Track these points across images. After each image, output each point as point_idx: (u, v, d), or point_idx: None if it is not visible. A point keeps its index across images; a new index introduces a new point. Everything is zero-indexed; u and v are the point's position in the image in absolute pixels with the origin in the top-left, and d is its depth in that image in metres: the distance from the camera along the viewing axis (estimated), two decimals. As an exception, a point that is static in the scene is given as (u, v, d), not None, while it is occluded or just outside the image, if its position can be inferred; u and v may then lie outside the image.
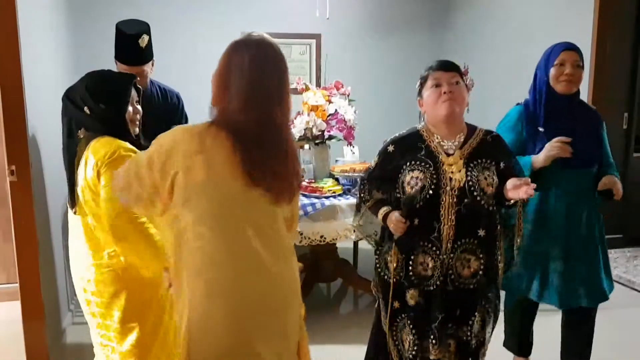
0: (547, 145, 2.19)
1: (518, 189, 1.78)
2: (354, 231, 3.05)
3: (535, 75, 2.35)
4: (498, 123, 2.41)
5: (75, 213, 1.85)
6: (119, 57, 2.68)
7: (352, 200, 3.07)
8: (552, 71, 2.25)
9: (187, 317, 1.39)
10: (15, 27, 2.42)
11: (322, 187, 3.16)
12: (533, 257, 2.30)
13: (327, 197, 3.11)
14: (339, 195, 3.16)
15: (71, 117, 1.84)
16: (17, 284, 2.55)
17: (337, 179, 3.34)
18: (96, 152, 1.74)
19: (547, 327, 2.66)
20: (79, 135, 1.81)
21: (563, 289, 2.28)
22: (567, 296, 2.29)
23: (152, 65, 2.82)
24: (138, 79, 1.94)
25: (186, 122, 3.05)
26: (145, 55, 2.72)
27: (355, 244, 4.06)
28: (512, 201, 1.89)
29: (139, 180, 1.40)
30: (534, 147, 2.27)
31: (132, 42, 2.64)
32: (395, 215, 1.89)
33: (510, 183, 1.83)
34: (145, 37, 2.67)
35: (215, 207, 1.38)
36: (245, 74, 1.37)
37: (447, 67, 1.92)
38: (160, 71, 4.36)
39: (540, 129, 2.27)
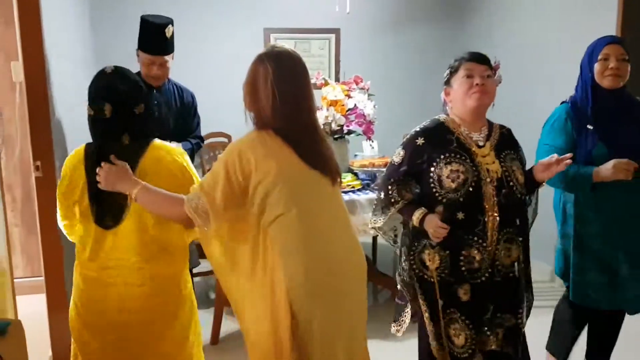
0: (612, 166, 2.07)
1: (549, 169, 1.91)
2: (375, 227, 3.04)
3: (580, 72, 2.28)
4: (544, 123, 2.33)
5: (111, 227, 1.71)
6: (144, 46, 2.72)
7: (371, 195, 3.06)
8: (597, 66, 2.19)
9: (285, 291, 1.54)
10: (39, 26, 2.46)
11: (341, 182, 3.16)
12: (602, 261, 2.22)
13: (346, 192, 3.10)
14: (358, 190, 3.15)
15: (123, 118, 1.70)
16: (41, 278, 2.61)
17: (356, 174, 3.33)
18: (169, 151, 1.77)
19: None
20: (123, 142, 1.71)
21: (634, 293, 2.21)
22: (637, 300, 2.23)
23: (172, 59, 2.85)
24: None
25: (199, 120, 3.09)
26: (170, 45, 2.77)
27: (374, 239, 4.05)
28: (542, 185, 2.01)
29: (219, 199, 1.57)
30: (585, 146, 2.19)
31: (159, 32, 2.69)
32: (436, 221, 1.86)
33: (541, 165, 1.94)
34: (171, 28, 2.74)
35: (296, 192, 1.57)
36: (269, 84, 1.57)
37: (481, 59, 1.93)
38: (182, 69, 4.42)
39: (590, 127, 2.19)
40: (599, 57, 2.18)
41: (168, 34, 2.73)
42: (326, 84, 3.34)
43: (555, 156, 1.91)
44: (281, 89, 1.57)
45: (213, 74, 4.52)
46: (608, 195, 2.16)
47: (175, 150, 1.81)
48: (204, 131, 4.31)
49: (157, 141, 1.78)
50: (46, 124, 2.48)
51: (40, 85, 2.46)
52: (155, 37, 2.71)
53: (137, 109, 1.72)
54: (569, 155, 1.89)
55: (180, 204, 1.59)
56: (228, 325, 3.13)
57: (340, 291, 1.63)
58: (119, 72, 1.73)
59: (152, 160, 1.72)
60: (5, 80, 3.45)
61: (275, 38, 4.59)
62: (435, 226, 1.86)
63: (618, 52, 2.17)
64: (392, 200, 1.99)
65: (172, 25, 2.77)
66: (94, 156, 1.71)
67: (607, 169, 2.09)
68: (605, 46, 2.18)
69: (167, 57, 2.78)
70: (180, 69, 4.48)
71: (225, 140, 4.53)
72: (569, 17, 3.76)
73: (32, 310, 2.68)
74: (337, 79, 4.51)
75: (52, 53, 2.61)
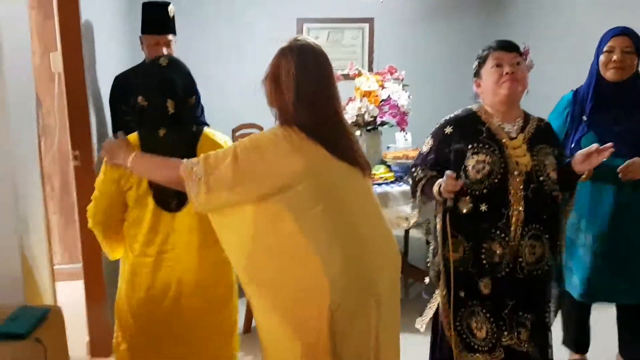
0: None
1: (589, 160, 1.82)
2: (406, 219, 3.01)
3: (592, 61, 2.28)
4: None
5: (175, 210, 1.74)
6: (149, 28, 2.74)
7: (405, 187, 3.02)
8: (602, 58, 2.18)
9: (328, 282, 1.48)
10: (77, 17, 2.49)
11: (374, 174, 3.12)
12: (577, 250, 2.24)
13: (378, 184, 3.07)
14: (391, 182, 3.12)
15: (179, 109, 1.74)
16: (78, 265, 2.66)
17: (389, 166, 3.29)
18: (221, 140, 1.80)
19: (606, 322, 2.54)
20: (176, 131, 1.74)
21: (597, 283, 2.22)
22: (601, 291, 2.24)
23: (175, 42, 2.86)
24: None
25: None
26: (173, 25, 2.78)
27: (407, 232, 4.01)
28: (580, 179, 1.91)
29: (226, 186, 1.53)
30: (574, 135, 2.20)
31: (162, 11, 2.71)
32: (446, 172, 1.79)
33: (580, 155, 1.84)
34: (173, 8, 2.75)
35: (324, 187, 1.54)
36: (292, 78, 1.53)
37: (509, 47, 1.88)
38: (213, 60, 4.44)
39: (584, 118, 2.20)
40: (605, 49, 2.17)
41: (171, 14, 2.76)
42: (359, 74, 3.30)
43: (595, 146, 1.84)
44: (304, 83, 1.53)
45: (244, 65, 4.52)
46: (588, 189, 2.17)
47: (223, 139, 1.84)
48: (235, 123, 4.36)
49: (207, 129, 1.81)
50: (84, 114, 2.52)
51: (79, 75, 2.50)
52: (159, 16, 2.73)
53: (191, 101, 1.76)
54: (609, 144, 1.82)
55: (176, 166, 1.56)
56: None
57: (374, 284, 1.59)
58: (175, 65, 1.76)
59: (208, 149, 1.71)
60: (44, 71, 3.52)
61: (308, 28, 4.56)
62: (445, 178, 1.77)
63: (623, 44, 2.14)
64: (417, 179, 1.97)
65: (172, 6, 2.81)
66: (149, 144, 1.72)
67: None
68: (611, 38, 2.16)
69: (171, 37, 2.78)
70: (211, 60, 4.50)
71: (257, 131, 4.54)
72: (614, 10, 3.62)
73: (69, 297, 2.75)
74: (370, 69, 4.45)
75: (89, 41, 2.62)
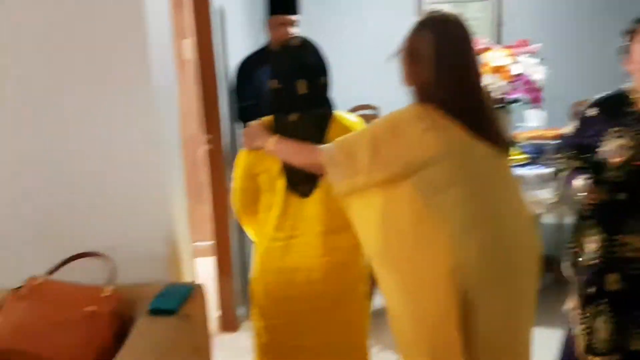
0: None
1: None
2: (541, 204, 2.80)
3: None
4: None
5: (306, 195, 1.73)
6: (277, 8, 2.76)
7: (540, 170, 2.81)
8: None
9: (459, 268, 1.42)
10: (208, 6, 2.56)
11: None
12: None
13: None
14: (525, 164, 2.90)
15: (312, 91, 1.72)
16: (204, 243, 2.78)
17: (520, 147, 3.06)
18: (352, 124, 1.76)
19: None
20: (308, 113, 1.72)
21: None
22: None
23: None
24: None
25: None
26: (298, 4, 2.78)
27: (538, 217, 3.75)
28: None
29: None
30: None
31: None
32: (580, 178, 1.72)
33: None
34: None
35: (463, 168, 1.46)
36: (431, 54, 1.44)
37: None
38: (328, 39, 4.39)
39: None
40: None
41: None
42: (488, 49, 3.09)
43: None
44: (444, 58, 1.44)
45: (361, 44, 4.44)
46: None
47: (355, 121, 1.80)
48: (349, 105, 4.30)
49: (338, 113, 1.78)
50: (215, 100, 2.61)
51: (210, 62, 2.59)
52: None
53: (322, 80, 1.73)
54: None
55: (315, 152, 1.57)
56: (377, 300, 3.10)
57: (512, 273, 1.48)
58: (308, 45, 1.74)
59: (338, 132, 1.69)
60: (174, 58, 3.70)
61: (430, 2, 4.36)
62: (578, 183, 1.72)
63: None
64: (560, 169, 1.89)
65: None
66: (281, 128, 1.72)
67: None
68: None
69: (295, 17, 2.77)
70: (327, 38, 4.45)
71: (372, 112, 4.45)
72: None
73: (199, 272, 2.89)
74: (498, 43, 4.18)
75: (227, 22, 2.68)
